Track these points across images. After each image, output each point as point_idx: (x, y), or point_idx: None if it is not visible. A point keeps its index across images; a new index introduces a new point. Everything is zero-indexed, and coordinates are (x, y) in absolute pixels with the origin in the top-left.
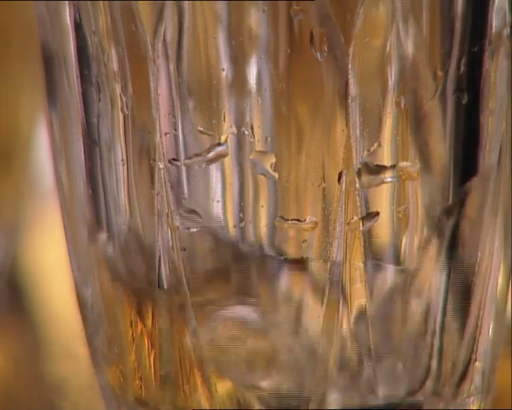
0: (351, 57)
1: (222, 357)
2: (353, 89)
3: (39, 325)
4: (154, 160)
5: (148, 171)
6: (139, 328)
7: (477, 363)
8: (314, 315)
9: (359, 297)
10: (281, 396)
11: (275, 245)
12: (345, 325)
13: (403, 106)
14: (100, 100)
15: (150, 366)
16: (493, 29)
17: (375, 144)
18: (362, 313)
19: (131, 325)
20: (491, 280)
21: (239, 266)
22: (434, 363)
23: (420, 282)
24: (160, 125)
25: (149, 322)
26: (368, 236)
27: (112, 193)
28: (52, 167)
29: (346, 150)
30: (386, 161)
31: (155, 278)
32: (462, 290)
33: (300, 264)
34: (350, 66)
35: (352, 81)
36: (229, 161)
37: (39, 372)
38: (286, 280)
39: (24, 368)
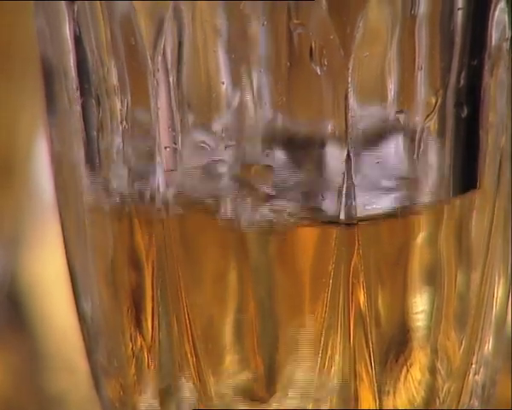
0: (350, 71)
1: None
2: (353, 102)
3: (39, 338)
4: (153, 173)
5: (148, 184)
6: (139, 342)
7: (477, 376)
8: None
9: (359, 303)
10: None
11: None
12: (345, 330)
13: (403, 119)
14: (100, 113)
15: (150, 379)
16: (493, 42)
17: (375, 158)
18: (361, 318)
19: (131, 339)
20: (491, 293)
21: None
22: (435, 376)
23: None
24: (159, 138)
25: (149, 336)
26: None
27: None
28: (52, 181)
29: (346, 164)
30: (387, 175)
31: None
32: (462, 302)
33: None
34: (350, 79)
35: (351, 95)
36: (228, 175)
37: (39, 385)
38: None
39: (24, 381)
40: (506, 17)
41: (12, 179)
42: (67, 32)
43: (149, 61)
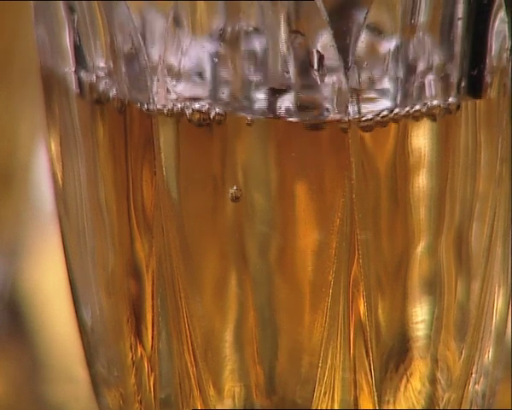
0: (351, 80)
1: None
2: (354, 111)
3: (39, 348)
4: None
5: (148, 194)
6: (139, 351)
7: (477, 386)
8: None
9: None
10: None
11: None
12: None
13: (404, 129)
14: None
15: (150, 389)
16: (493, 52)
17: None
18: (361, 328)
19: (131, 348)
20: (491, 303)
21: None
22: (435, 385)
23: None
24: (160, 146)
25: (149, 345)
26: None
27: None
28: (51, 190)
29: (348, 174)
30: (388, 188)
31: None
32: (462, 311)
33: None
34: (350, 89)
35: (352, 104)
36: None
37: (39, 395)
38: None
39: (24, 391)
40: (506, 27)
41: (12, 188)
42: (67, 40)
43: (149, 70)
